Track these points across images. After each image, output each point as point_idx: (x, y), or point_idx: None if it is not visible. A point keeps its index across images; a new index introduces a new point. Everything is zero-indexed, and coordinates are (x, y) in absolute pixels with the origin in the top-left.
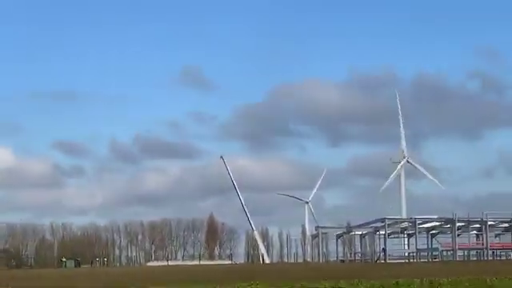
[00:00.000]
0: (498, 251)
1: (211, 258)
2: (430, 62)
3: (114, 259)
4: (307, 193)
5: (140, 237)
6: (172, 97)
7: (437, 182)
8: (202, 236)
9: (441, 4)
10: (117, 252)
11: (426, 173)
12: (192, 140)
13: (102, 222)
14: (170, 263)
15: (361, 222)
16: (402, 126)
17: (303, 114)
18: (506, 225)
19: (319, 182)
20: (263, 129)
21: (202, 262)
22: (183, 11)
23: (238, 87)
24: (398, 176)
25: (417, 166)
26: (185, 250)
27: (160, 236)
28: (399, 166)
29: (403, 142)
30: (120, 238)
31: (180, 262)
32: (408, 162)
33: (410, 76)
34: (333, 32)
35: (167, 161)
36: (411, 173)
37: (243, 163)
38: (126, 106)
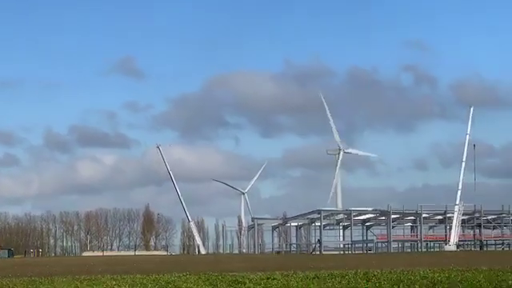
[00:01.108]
0: (432, 243)
1: (147, 248)
2: (364, 56)
3: (48, 249)
4: (242, 183)
5: (76, 227)
6: (107, 86)
7: (370, 154)
8: (138, 226)
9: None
10: (52, 242)
11: (359, 152)
12: (127, 130)
13: (37, 211)
14: (106, 254)
15: (297, 214)
16: (331, 120)
17: (238, 105)
18: (440, 217)
19: (258, 174)
20: (198, 119)
21: (137, 253)
22: (119, 0)
23: (173, 77)
24: (334, 168)
25: (351, 150)
26: (120, 240)
27: (96, 226)
28: (340, 158)
29: (336, 135)
30: (55, 227)
31: (115, 253)
32: (345, 152)
33: (344, 69)
34: (269, 24)
35: (102, 150)
36: (347, 164)
37: (178, 153)
38: (61, 95)
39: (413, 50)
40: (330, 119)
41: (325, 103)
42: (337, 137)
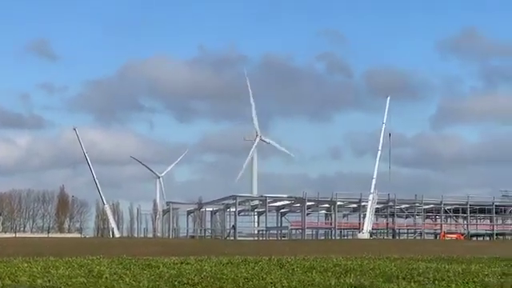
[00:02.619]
0: (346, 231)
1: (60, 231)
2: (278, 43)
3: None
4: (156, 167)
5: None
6: (21, 68)
7: (289, 152)
8: (52, 209)
9: None
10: None
11: (278, 146)
12: (41, 111)
13: None
14: (18, 235)
15: (212, 199)
16: (253, 106)
17: (153, 89)
18: (354, 205)
19: (178, 160)
20: (113, 103)
21: (50, 235)
22: None
23: (88, 60)
24: (252, 154)
25: (270, 141)
26: (34, 222)
27: (9, 207)
28: (255, 144)
29: (255, 121)
30: None
31: (28, 234)
32: (261, 139)
33: (258, 56)
34: (183, 9)
35: (16, 131)
36: (262, 151)
37: (94, 136)
38: None
39: (327, 38)
40: (253, 105)
41: (250, 89)
42: (256, 123)
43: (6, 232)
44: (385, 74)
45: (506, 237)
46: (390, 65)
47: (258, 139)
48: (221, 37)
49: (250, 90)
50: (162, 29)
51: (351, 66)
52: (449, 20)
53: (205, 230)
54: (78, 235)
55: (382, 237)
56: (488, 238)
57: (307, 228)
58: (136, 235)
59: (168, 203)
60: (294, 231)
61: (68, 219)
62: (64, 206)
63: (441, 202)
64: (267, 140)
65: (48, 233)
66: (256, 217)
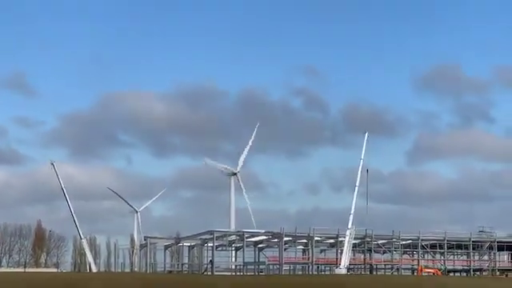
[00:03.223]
0: (323, 266)
1: (37, 265)
2: (255, 79)
3: None
4: (134, 202)
5: None
6: None
7: (247, 199)
8: (29, 243)
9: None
10: None
11: (243, 187)
12: (17, 145)
13: None
14: None
15: (189, 234)
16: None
17: (129, 124)
18: (332, 240)
19: (156, 197)
20: (90, 137)
21: (27, 270)
22: (12, 12)
23: (64, 94)
24: (228, 189)
25: (240, 181)
26: (10, 256)
27: None
28: (232, 181)
29: (242, 159)
30: None
31: (4, 269)
32: (233, 173)
33: (234, 92)
34: (158, 44)
35: None
36: (238, 187)
37: (70, 171)
38: None
39: (303, 73)
40: (249, 145)
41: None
42: (242, 158)
43: None
44: (361, 110)
45: (483, 273)
46: (366, 100)
47: (238, 175)
48: (197, 71)
49: (254, 133)
50: (137, 63)
51: (327, 101)
52: (423, 56)
53: (182, 264)
54: (55, 270)
55: (359, 272)
56: (465, 274)
57: (285, 263)
58: (113, 269)
59: (145, 238)
60: (271, 266)
61: (45, 254)
62: (41, 240)
63: (418, 238)
64: (240, 179)
65: (25, 267)
66: (233, 252)
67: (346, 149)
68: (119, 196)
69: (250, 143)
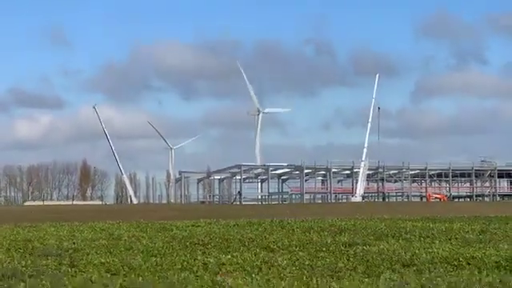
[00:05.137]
0: (340, 195)
1: (84, 199)
2: (269, 29)
3: None
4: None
5: (18, 179)
6: (38, 52)
7: (283, 110)
8: (76, 179)
9: None
10: None
11: (278, 110)
12: (59, 92)
13: None
14: (46, 203)
15: (219, 168)
16: (250, 87)
17: (159, 70)
18: (348, 172)
19: (191, 140)
20: (124, 84)
21: (75, 202)
22: None
23: (99, 45)
24: (250, 127)
25: (271, 110)
26: (60, 191)
27: (37, 178)
28: (260, 119)
29: (254, 98)
30: None
31: (55, 202)
32: (264, 113)
33: (250, 41)
34: None
35: (39, 111)
36: (264, 124)
37: (109, 113)
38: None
39: (312, 23)
40: (248, 85)
41: (242, 71)
42: (255, 99)
43: (34, 200)
44: (367, 54)
45: (485, 198)
46: (372, 46)
47: (261, 114)
48: (216, 23)
49: (243, 72)
50: (160, 15)
51: (336, 46)
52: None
53: (213, 196)
54: (100, 202)
55: (373, 200)
56: (468, 200)
57: (305, 193)
58: (152, 201)
59: (180, 172)
60: (293, 196)
61: (90, 188)
62: (86, 176)
63: (425, 168)
64: (267, 110)
65: (72, 200)
66: (259, 184)
67: (355, 89)
68: (157, 131)
69: (247, 83)
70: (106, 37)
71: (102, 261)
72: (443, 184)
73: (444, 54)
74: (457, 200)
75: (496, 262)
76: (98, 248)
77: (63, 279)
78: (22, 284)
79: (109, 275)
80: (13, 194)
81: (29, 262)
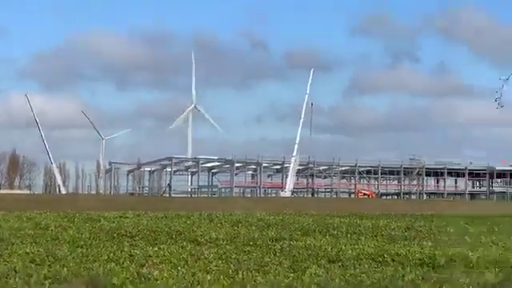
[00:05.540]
0: (270, 189)
1: (11, 187)
2: (205, 21)
3: None
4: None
5: None
6: None
7: (217, 126)
8: (4, 168)
9: None
10: None
11: (209, 118)
12: None
13: None
14: None
15: (149, 161)
16: (193, 78)
17: (93, 61)
18: (278, 166)
19: (121, 133)
20: (58, 72)
21: (1, 191)
22: None
23: (33, 32)
24: (187, 120)
25: (203, 112)
26: None
27: None
28: (187, 111)
29: (193, 91)
30: None
31: None
32: (195, 108)
33: (186, 32)
34: None
35: None
36: (197, 118)
37: (41, 102)
38: None
39: (248, 16)
40: (193, 76)
41: (193, 61)
42: (194, 93)
43: None
44: (301, 50)
45: (412, 196)
46: (306, 42)
47: (192, 106)
48: (151, 14)
49: (193, 62)
50: (95, 3)
51: (270, 41)
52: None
53: (143, 187)
54: (28, 191)
55: (302, 195)
56: (396, 197)
57: (235, 187)
58: (81, 192)
59: (110, 163)
60: (223, 189)
61: (18, 177)
62: (15, 165)
63: (355, 165)
64: (200, 108)
65: (0, 189)
66: (189, 176)
67: (289, 83)
68: (89, 120)
69: (193, 76)
70: (40, 24)
71: (27, 251)
72: (372, 181)
73: (379, 53)
74: (385, 197)
75: (420, 260)
76: (23, 238)
77: None
78: None
79: (33, 265)
80: None
81: None
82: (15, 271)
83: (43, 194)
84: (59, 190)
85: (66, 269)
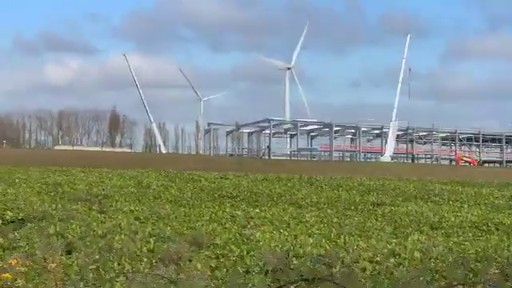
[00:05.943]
0: (369, 154)
1: (112, 145)
2: None
3: (24, 142)
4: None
5: (49, 123)
6: None
7: (305, 101)
8: (105, 126)
9: None
10: (27, 136)
11: (298, 82)
12: (89, 38)
13: (11, 107)
14: (75, 148)
15: (247, 122)
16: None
17: (189, 21)
18: (377, 131)
19: (221, 94)
20: (153, 32)
21: (104, 149)
22: None
23: None
24: (284, 82)
25: (295, 76)
26: (89, 137)
27: (67, 123)
28: (288, 75)
29: (295, 55)
30: (30, 123)
31: (84, 148)
32: (288, 68)
33: None
34: None
35: (69, 55)
36: (294, 80)
37: (139, 62)
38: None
39: None
40: (302, 39)
41: (306, 27)
42: (295, 57)
43: (64, 145)
44: (396, 15)
45: None
46: (401, 7)
47: (292, 70)
48: None
49: (306, 28)
50: None
51: (365, 6)
52: None
53: (242, 149)
54: (128, 150)
55: (401, 161)
56: (498, 165)
57: (334, 150)
58: (181, 152)
59: (209, 124)
60: (322, 153)
61: (119, 135)
62: (115, 124)
63: (455, 131)
64: (290, 65)
65: (102, 147)
66: (288, 139)
67: (384, 49)
68: (187, 80)
69: (302, 39)
70: None
71: (131, 208)
72: (473, 148)
73: (476, 17)
74: (486, 165)
75: None
76: (126, 195)
77: (93, 224)
78: (52, 227)
79: (137, 223)
80: (43, 137)
81: (59, 205)
82: (120, 228)
83: (144, 152)
84: (160, 150)
85: (169, 227)
